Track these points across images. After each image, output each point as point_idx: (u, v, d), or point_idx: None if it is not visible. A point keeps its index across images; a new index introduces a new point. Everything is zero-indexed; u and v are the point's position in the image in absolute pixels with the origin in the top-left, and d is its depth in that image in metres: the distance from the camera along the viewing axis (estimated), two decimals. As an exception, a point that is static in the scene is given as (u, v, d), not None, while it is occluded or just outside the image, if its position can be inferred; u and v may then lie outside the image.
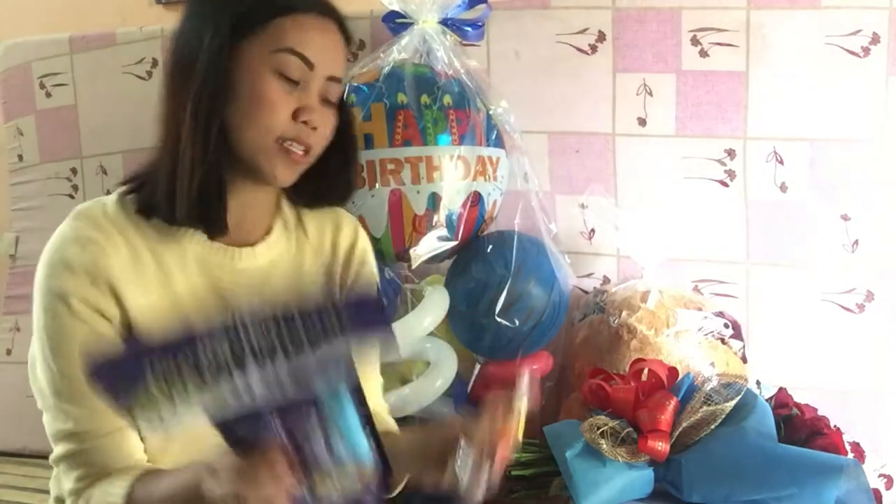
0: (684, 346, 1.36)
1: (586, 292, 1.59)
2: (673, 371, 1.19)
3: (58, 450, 0.89)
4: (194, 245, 0.91)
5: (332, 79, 0.89)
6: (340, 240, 1.02)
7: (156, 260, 0.89)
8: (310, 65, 0.87)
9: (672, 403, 1.08)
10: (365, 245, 1.05)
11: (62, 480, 0.90)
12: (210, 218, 0.87)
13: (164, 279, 0.89)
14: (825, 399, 1.50)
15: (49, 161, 1.92)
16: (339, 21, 0.91)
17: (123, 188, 0.91)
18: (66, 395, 0.87)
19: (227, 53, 0.85)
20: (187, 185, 0.85)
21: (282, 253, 0.97)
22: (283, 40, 0.86)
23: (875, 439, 1.44)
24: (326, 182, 0.96)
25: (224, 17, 0.85)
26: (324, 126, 0.89)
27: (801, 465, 0.99)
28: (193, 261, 0.91)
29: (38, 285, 0.87)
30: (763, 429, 1.06)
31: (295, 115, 0.87)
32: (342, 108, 0.95)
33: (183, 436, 0.92)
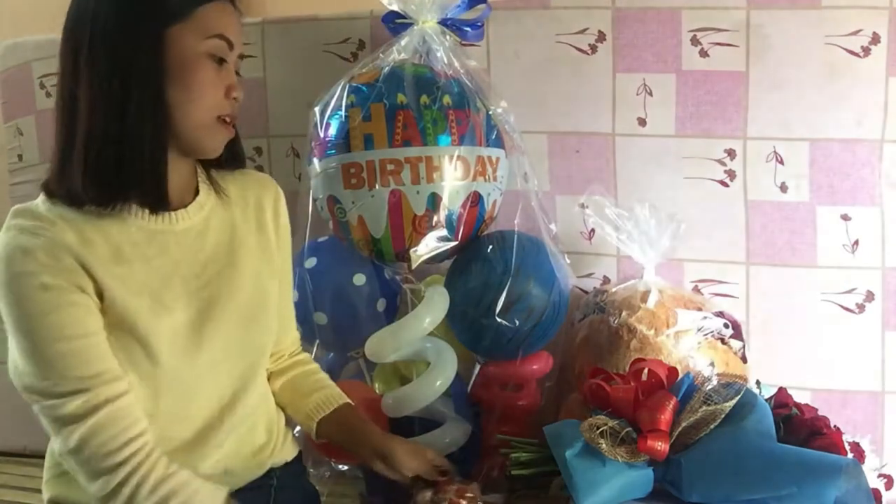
0: (684, 346, 1.36)
1: (586, 292, 1.59)
2: (673, 371, 1.19)
3: (77, 433, 0.88)
4: (137, 220, 0.97)
5: (240, 56, 1.01)
6: (265, 199, 1.13)
7: (104, 239, 0.93)
8: (231, 45, 0.98)
9: (672, 403, 1.08)
10: (283, 201, 1.17)
11: (89, 463, 0.89)
12: (159, 195, 0.95)
13: (117, 256, 0.94)
14: (825, 399, 1.50)
15: (49, 161, 1.91)
16: (235, 2, 1.01)
17: (43, 192, 0.96)
18: (72, 373, 0.89)
19: (159, 43, 0.92)
20: (139, 166, 0.92)
21: (213, 207, 1.06)
22: (212, 27, 0.95)
23: (875, 439, 1.44)
24: (231, 147, 1.06)
25: (149, 6, 0.92)
26: (241, 94, 1.00)
27: (800, 465, 0.99)
28: (138, 232, 0.97)
29: (1, 284, 0.88)
30: (763, 428, 1.06)
31: (227, 92, 0.98)
32: None
33: (173, 390, 0.97)
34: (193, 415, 1.01)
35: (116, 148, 0.90)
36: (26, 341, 0.88)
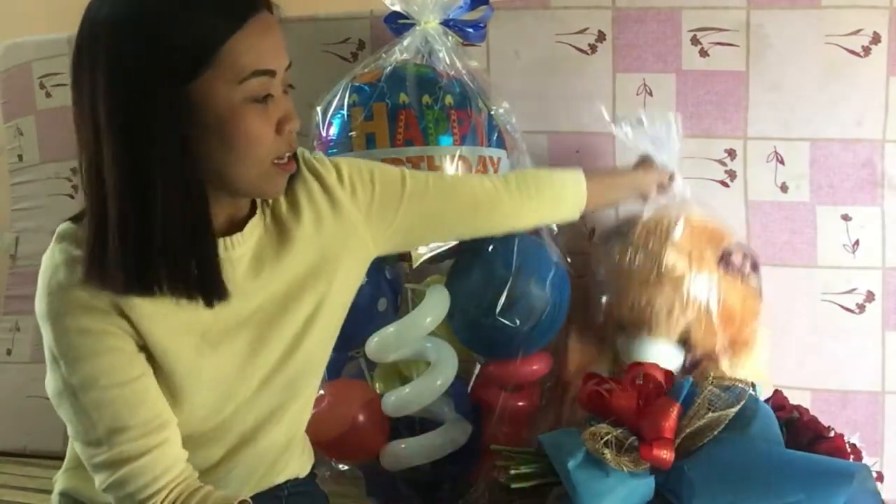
0: (703, 282, 1.35)
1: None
2: (669, 374, 1.18)
3: (105, 479, 0.86)
4: None
5: (287, 67, 0.86)
6: (327, 178, 0.98)
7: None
8: (272, 73, 0.82)
9: (675, 409, 1.06)
10: (344, 164, 1.02)
11: (112, 498, 0.88)
12: (212, 284, 0.84)
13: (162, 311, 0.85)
14: (825, 399, 1.50)
15: (49, 161, 1.92)
16: (267, 5, 0.85)
17: (68, 248, 0.83)
18: (105, 423, 0.85)
19: (183, 103, 0.78)
20: (174, 260, 0.80)
21: (269, 227, 0.95)
22: (245, 65, 0.79)
23: (875, 440, 1.45)
24: None
25: (162, 66, 0.77)
26: (297, 120, 0.86)
27: (809, 472, 0.97)
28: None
29: (43, 314, 0.84)
30: (769, 434, 1.05)
31: (278, 129, 0.84)
32: None
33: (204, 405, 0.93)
34: (207, 454, 0.98)
35: (150, 237, 0.78)
36: (62, 382, 0.85)
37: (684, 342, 1.38)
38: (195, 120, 0.79)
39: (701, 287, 1.35)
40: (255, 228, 0.93)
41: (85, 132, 0.80)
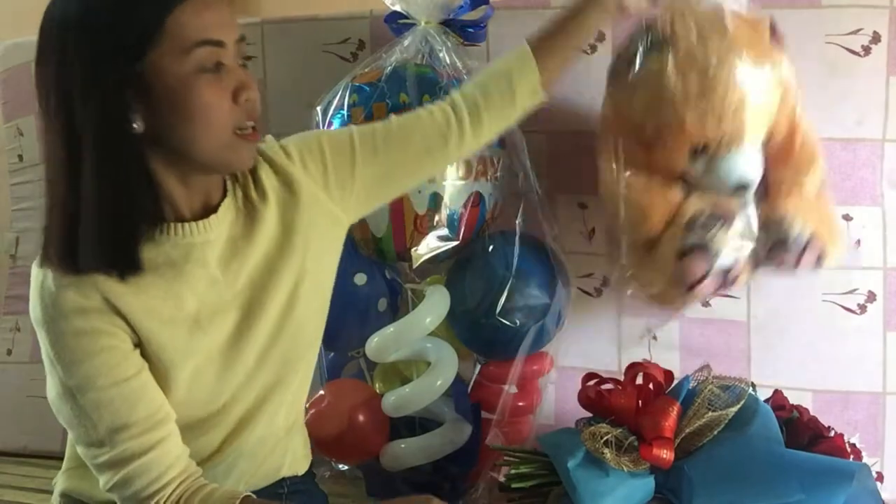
0: (778, 68, 1.21)
1: (587, 293, 1.59)
2: (668, 374, 1.18)
3: (110, 479, 0.87)
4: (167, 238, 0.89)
5: (240, 39, 0.87)
6: (277, 160, 1.00)
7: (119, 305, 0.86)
8: (220, 44, 0.84)
9: (675, 409, 1.07)
10: (291, 143, 1.03)
11: (116, 497, 0.89)
12: (125, 259, 0.85)
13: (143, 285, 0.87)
14: (826, 400, 1.50)
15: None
16: None
17: (41, 269, 0.87)
18: (105, 423, 0.86)
19: (132, 83, 0.80)
20: (95, 237, 0.82)
21: (240, 210, 0.96)
22: (188, 37, 0.81)
23: (876, 440, 1.44)
24: None
25: (106, 47, 0.80)
26: (255, 89, 0.87)
27: (809, 472, 0.98)
28: (172, 249, 0.89)
29: (39, 321, 0.86)
30: (769, 434, 1.05)
31: (234, 98, 0.85)
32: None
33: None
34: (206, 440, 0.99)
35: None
36: (61, 386, 0.87)
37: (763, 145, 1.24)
38: (152, 98, 0.81)
39: (775, 74, 1.20)
40: (227, 211, 0.94)
41: (42, 125, 0.84)
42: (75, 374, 0.85)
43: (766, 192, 1.26)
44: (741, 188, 1.24)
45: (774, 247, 1.22)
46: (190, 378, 0.92)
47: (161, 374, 0.90)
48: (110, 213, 0.82)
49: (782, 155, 1.25)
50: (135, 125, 0.82)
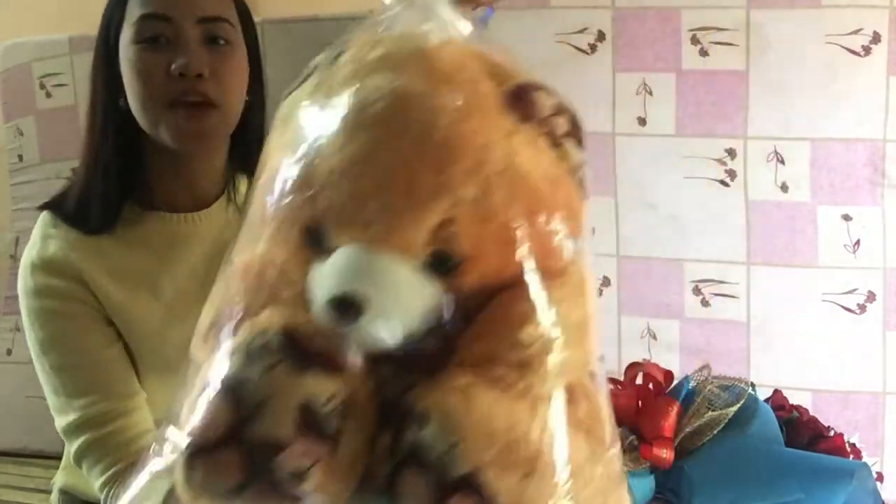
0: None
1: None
2: (668, 374, 1.18)
3: (74, 446, 0.88)
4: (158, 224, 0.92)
5: (205, 20, 0.85)
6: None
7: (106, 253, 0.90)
8: (166, 18, 0.84)
9: (675, 409, 1.06)
10: None
11: (90, 478, 0.89)
12: (86, 220, 0.89)
13: (124, 269, 0.90)
14: (826, 400, 1.50)
15: (49, 161, 1.92)
16: None
17: (44, 225, 0.93)
18: (67, 388, 0.88)
19: (116, 58, 0.87)
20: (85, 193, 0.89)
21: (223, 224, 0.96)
22: (134, 12, 0.85)
23: (876, 440, 1.44)
24: (243, 141, 0.93)
25: (105, 24, 0.89)
26: (212, 68, 0.85)
27: (809, 471, 0.98)
28: (159, 237, 0.92)
29: (20, 293, 0.90)
30: (769, 433, 1.05)
31: (166, 71, 0.84)
32: (255, 54, 0.93)
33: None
34: None
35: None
36: (31, 349, 0.90)
37: (439, 258, 0.54)
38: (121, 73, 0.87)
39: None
40: (220, 211, 0.95)
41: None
42: (42, 331, 0.87)
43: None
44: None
45: None
46: (166, 360, 0.91)
47: (136, 353, 0.91)
48: (94, 171, 0.88)
49: None
50: (120, 101, 0.87)
